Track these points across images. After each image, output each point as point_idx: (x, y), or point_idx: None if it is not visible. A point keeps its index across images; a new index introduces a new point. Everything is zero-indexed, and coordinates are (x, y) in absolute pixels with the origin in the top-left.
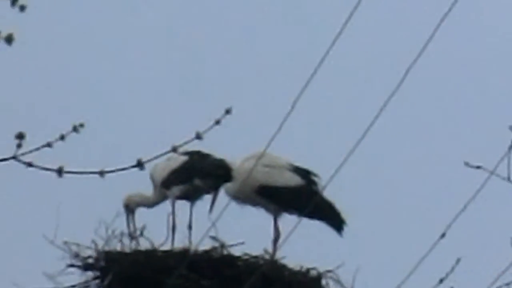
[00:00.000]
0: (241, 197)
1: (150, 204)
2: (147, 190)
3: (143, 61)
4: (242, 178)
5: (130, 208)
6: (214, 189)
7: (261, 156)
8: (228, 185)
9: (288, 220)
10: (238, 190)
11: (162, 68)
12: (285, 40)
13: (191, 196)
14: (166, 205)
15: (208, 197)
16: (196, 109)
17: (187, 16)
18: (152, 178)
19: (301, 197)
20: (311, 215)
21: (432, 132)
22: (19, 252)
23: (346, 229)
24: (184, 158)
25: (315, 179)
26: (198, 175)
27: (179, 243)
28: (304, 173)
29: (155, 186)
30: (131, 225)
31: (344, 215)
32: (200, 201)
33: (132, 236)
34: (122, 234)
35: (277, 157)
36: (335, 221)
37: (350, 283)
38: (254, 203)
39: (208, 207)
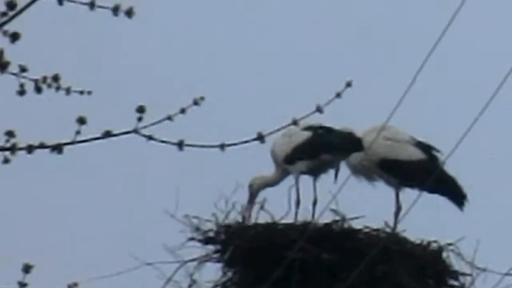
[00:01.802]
0: (362, 170)
1: (274, 182)
2: (267, 165)
3: (263, 35)
4: (364, 151)
5: (253, 190)
6: (341, 161)
7: (382, 129)
8: (350, 157)
9: (408, 194)
10: (359, 163)
11: (284, 41)
12: (408, 14)
13: (317, 171)
14: (286, 179)
15: (330, 172)
16: (317, 82)
17: None
18: (274, 154)
19: (423, 172)
20: (432, 190)
21: None
22: (140, 226)
23: (467, 203)
24: (308, 133)
25: (437, 154)
26: (326, 150)
27: (300, 217)
28: (426, 148)
29: (276, 164)
30: (251, 207)
31: (465, 190)
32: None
33: (247, 219)
34: (242, 208)
35: (399, 131)
36: (457, 196)
37: (471, 256)
38: (375, 176)
39: (329, 180)
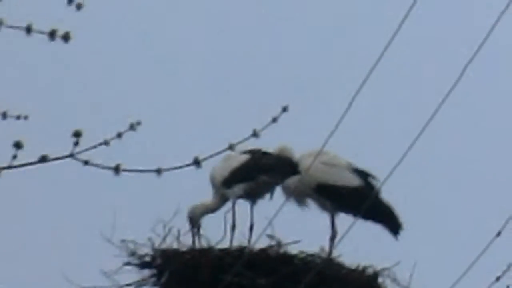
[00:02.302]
0: (297, 194)
1: (213, 209)
2: (204, 189)
3: (198, 58)
4: (301, 175)
5: (195, 220)
6: (278, 184)
7: (319, 153)
8: (286, 181)
9: (345, 219)
10: (295, 186)
11: (217, 65)
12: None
13: (254, 194)
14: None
15: (267, 197)
16: (253, 107)
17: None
18: (212, 179)
19: (359, 198)
20: (368, 217)
21: (481, 135)
22: (76, 250)
23: (402, 232)
24: (245, 156)
25: (374, 181)
26: (263, 171)
27: (235, 241)
28: (363, 175)
29: (215, 189)
30: (196, 236)
31: (401, 219)
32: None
33: (195, 244)
34: (179, 232)
35: (336, 156)
36: (393, 224)
37: (407, 281)
38: (309, 201)
39: (265, 206)
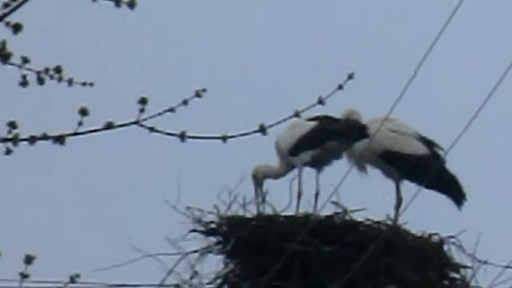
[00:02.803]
0: (363, 160)
1: (277, 175)
2: (269, 156)
3: (264, 28)
4: (368, 140)
5: (258, 179)
6: (347, 149)
7: (386, 119)
8: (352, 157)
9: (409, 187)
10: (361, 152)
11: (285, 33)
12: (409, 6)
13: (321, 161)
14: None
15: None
16: (319, 74)
17: None
18: (278, 147)
19: (425, 167)
20: (433, 186)
21: None
22: (142, 217)
23: (465, 202)
24: (312, 123)
25: (439, 150)
26: (331, 137)
27: (301, 209)
28: (429, 144)
29: (281, 157)
30: (259, 196)
31: (465, 189)
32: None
33: (259, 207)
34: (244, 199)
35: (404, 124)
36: (456, 195)
37: (472, 249)
38: (376, 167)
39: (330, 173)
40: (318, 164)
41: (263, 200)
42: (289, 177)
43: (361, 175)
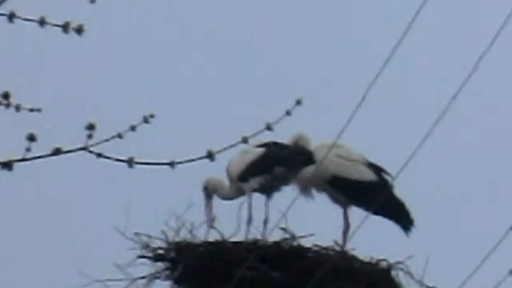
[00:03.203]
0: (310, 185)
1: (226, 197)
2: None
3: (209, 53)
4: (315, 166)
5: (208, 192)
6: (294, 175)
7: (334, 145)
8: (300, 173)
9: (358, 212)
10: (309, 178)
11: (226, 60)
12: (358, 30)
13: (270, 187)
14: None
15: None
16: (267, 100)
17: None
18: (229, 172)
19: (373, 193)
20: (380, 212)
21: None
22: (89, 243)
23: (413, 229)
24: (261, 149)
25: (387, 176)
26: (279, 163)
27: (250, 234)
28: (377, 170)
29: (231, 182)
30: (208, 211)
31: (412, 215)
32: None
33: (209, 223)
34: (192, 225)
35: (352, 150)
36: (404, 221)
37: (421, 275)
38: (323, 193)
39: (278, 199)
40: (267, 190)
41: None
42: (237, 203)
43: (307, 200)
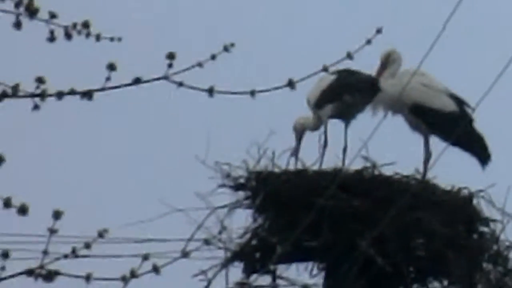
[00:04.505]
0: (391, 111)
1: (312, 127)
2: (298, 111)
3: None
4: (397, 91)
5: (297, 131)
6: (363, 105)
7: (416, 73)
8: (380, 97)
9: (437, 141)
10: (390, 104)
11: None
12: None
13: (343, 114)
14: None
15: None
16: (348, 29)
17: None
18: (308, 101)
19: (453, 124)
20: (459, 143)
21: None
22: (171, 172)
23: (490, 163)
24: (333, 76)
25: (468, 109)
26: (347, 91)
27: (331, 163)
28: (459, 102)
29: (312, 110)
30: (296, 148)
31: (491, 149)
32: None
33: (295, 159)
34: (273, 154)
35: (435, 79)
36: (482, 155)
37: (502, 203)
38: (405, 119)
39: (359, 127)
40: (342, 116)
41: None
42: (319, 132)
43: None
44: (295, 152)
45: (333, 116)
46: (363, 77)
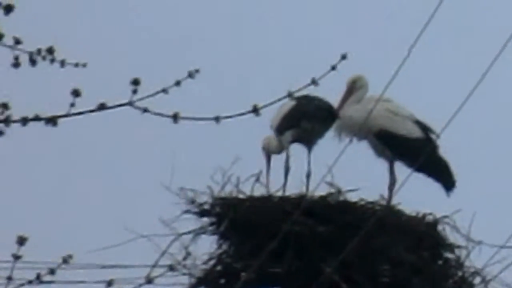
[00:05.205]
0: (357, 137)
1: (275, 150)
2: (262, 138)
3: (257, 8)
4: (363, 117)
5: (265, 152)
6: (322, 131)
7: (381, 98)
8: (346, 122)
9: (402, 167)
10: (356, 129)
11: (280, 16)
12: None
13: (303, 139)
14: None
15: (323, 143)
16: (313, 55)
17: None
18: (271, 127)
19: (419, 150)
20: (424, 170)
21: None
22: (135, 198)
23: (454, 190)
24: (293, 103)
25: (433, 135)
26: (305, 118)
27: (296, 189)
28: (424, 128)
29: (275, 135)
30: (267, 170)
31: (456, 175)
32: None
33: (268, 183)
34: (238, 180)
35: (400, 106)
36: (447, 180)
37: (467, 229)
38: (369, 145)
39: (324, 152)
40: (303, 142)
41: (257, 180)
42: (282, 159)
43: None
44: (266, 172)
45: (293, 141)
46: (321, 104)
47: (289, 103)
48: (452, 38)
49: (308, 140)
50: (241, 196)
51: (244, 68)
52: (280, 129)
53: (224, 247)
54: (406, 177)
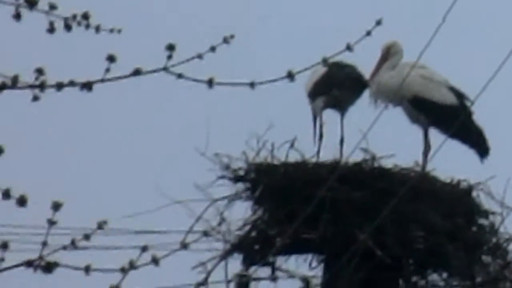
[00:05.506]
0: (391, 103)
1: (313, 114)
2: (297, 103)
3: None
4: (397, 83)
5: (313, 112)
6: (352, 99)
7: (416, 65)
8: (380, 88)
9: (437, 133)
10: (390, 96)
11: None
12: None
13: (335, 106)
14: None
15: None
16: (348, 21)
17: None
18: (306, 92)
19: (453, 116)
20: (458, 136)
21: None
22: (170, 164)
23: (488, 156)
24: (325, 69)
25: (467, 102)
26: (335, 86)
27: (330, 155)
28: (459, 94)
29: (308, 100)
30: (316, 129)
31: (489, 142)
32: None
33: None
34: (273, 146)
35: (436, 72)
36: (481, 147)
37: (501, 195)
38: (404, 111)
39: (359, 118)
40: (336, 108)
41: (292, 146)
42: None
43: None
44: (316, 133)
45: (325, 107)
46: (352, 73)
47: (321, 69)
48: (488, 3)
49: (340, 106)
50: (275, 162)
51: (279, 34)
52: (312, 95)
53: (259, 213)
54: (440, 144)
